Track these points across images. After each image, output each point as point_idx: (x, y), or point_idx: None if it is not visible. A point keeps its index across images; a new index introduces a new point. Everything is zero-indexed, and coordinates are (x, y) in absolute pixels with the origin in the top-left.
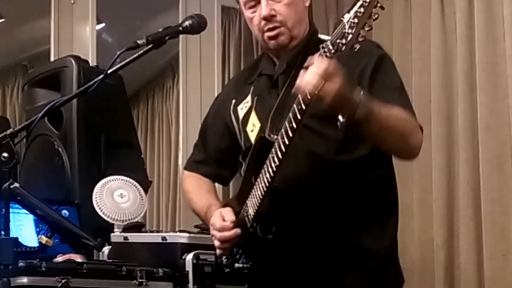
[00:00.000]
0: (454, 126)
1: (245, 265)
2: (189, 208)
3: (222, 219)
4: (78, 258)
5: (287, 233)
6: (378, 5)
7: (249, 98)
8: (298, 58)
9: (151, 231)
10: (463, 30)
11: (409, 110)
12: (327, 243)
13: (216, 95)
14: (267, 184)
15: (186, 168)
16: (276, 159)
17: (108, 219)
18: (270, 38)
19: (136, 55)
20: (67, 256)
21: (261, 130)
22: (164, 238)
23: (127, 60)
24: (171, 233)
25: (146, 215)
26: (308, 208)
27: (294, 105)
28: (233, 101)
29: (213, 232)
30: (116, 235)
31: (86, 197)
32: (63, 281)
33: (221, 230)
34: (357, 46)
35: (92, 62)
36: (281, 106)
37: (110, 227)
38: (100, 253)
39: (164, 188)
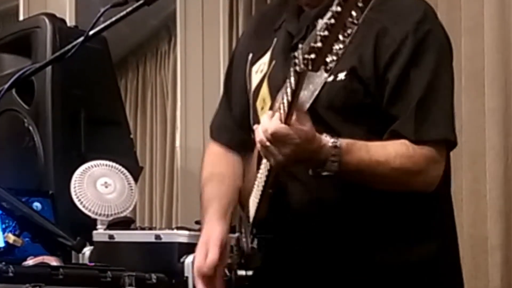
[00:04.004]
0: None
1: (248, 273)
2: (189, 199)
3: (205, 260)
4: (52, 261)
5: (292, 245)
6: (352, 15)
7: (268, 56)
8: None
9: (142, 228)
10: None
11: (426, 129)
12: (342, 258)
13: (221, 62)
14: (264, 185)
15: (211, 135)
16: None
17: (89, 214)
18: None
19: (124, 13)
20: (39, 259)
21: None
22: (158, 236)
23: (113, 19)
24: (167, 231)
25: (136, 208)
26: (319, 218)
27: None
28: (250, 55)
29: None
30: (100, 233)
31: (63, 186)
32: None
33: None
34: (331, 63)
35: (70, 21)
36: None
37: (92, 224)
38: (80, 255)
39: (158, 175)
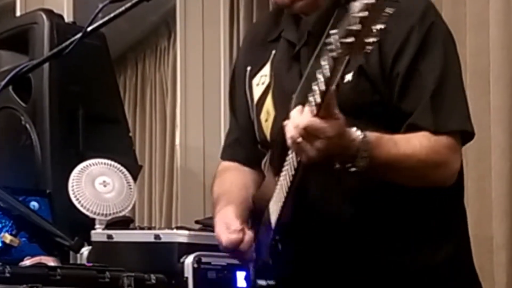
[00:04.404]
0: None
1: (269, 282)
2: (188, 198)
3: (227, 231)
4: (50, 262)
5: (315, 250)
6: None
7: (267, 68)
8: (322, 25)
9: (142, 228)
10: None
11: (444, 120)
12: (363, 262)
13: (222, 58)
14: (287, 190)
15: (222, 156)
16: (296, 160)
17: (87, 213)
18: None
19: (123, 8)
20: (36, 259)
21: (275, 122)
22: (157, 236)
23: (112, 15)
24: (166, 231)
25: (135, 208)
26: (343, 228)
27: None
28: (248, 68)
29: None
30: (98, 233)
31: (61, 185)
32: None
33: (228, 247)
34: (371, 42)
35: (68, 17)
36: (306, 89)
37: (90, 223)
38: (78, 255)
39: (157, 174)
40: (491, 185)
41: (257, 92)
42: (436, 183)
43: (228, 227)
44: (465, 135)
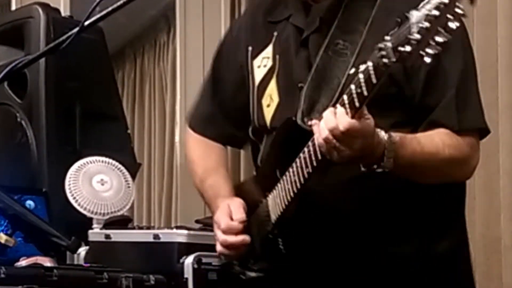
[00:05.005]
0: None
1: (259, 274)
2: (188, 197)
3: (229, 217)
4: (46, 262)
5: (314, 246)
6: (459, 7)
7: (270, 50)
8: (335, 13)
9: (140, 228)
10: None
11: (467, 117)
12: (363, 253)
13: None
14: (299, 187)
15: (190, 124)
16: (314, 158)
17: (85, 212)
18: None
19: (121, 2)
20: (32, 260)
21: (279, 109)
22: (156, 236)
23: (110, 8)
24: (166, 230)
25: (134, 207)
26: (345, 220)
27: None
28: (249, 48)
29: (216, 231)
30: (96, 233)
31: (57, 184)
32: None
33: (226, 231)
34: (429, 54)
35: (65, 11)
36: (317, 80)
37: (87, 223)
38: (75, 255)
39: (156, 172)
40: (499, 184)
41: (258, 74)
42: (456, 180)
43: (230, 215)
44: (482, 131)
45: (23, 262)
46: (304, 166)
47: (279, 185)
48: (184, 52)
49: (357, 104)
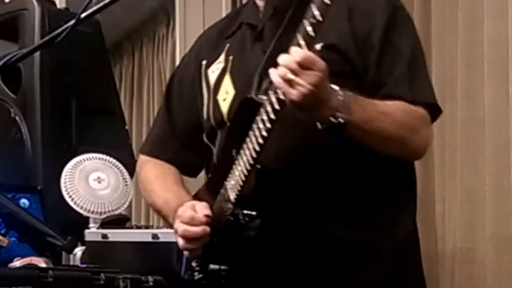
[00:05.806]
0: None
1: (222, 267)
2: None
3: (193, 210)
4: (41, 263)
5: (274, 223)
6: None
7: (222, 57)
8: (288, 2)
9: (138, 227)
10: None
11: (419, 90)
12: (322, 236)
13: None
14: (254, 158)
15: (143, 150)
16: (264, 125)
17: (81, 211)
18: None
19: None
20: (27, 260)
21: (235, 99)
22: (155, 236)
23: (107, 0)
24: (164, 230)
25: (132, 205)
26: (299, 193)
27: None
28: (204, 62)
29: (177, 225)
30: (92, 232)
31: (52, 181)
32: None
33: (188, 223)
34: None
35: (60, 3)
36: (270, 63)
37: (84, 222)
38: (71, 255)
39: None
40: (510, 182)
41: (213, 76)
42: (410, 151)
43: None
44: (433, 109)
45: (17, 263)
46: (259, 131)
47: (236, 162)
48: (183, 45)
49: (308, 42)
